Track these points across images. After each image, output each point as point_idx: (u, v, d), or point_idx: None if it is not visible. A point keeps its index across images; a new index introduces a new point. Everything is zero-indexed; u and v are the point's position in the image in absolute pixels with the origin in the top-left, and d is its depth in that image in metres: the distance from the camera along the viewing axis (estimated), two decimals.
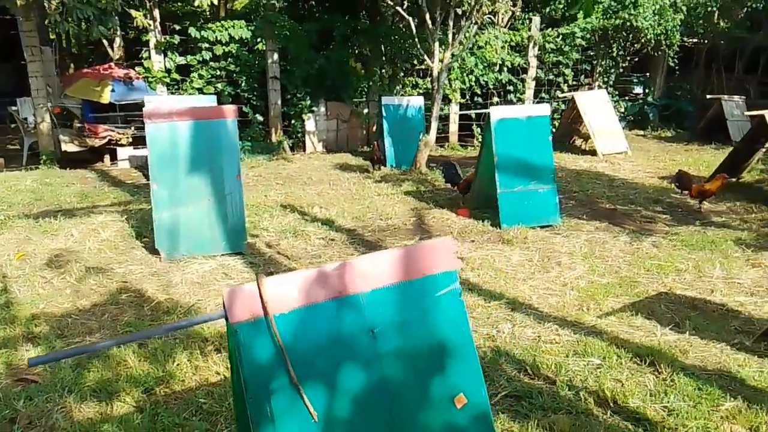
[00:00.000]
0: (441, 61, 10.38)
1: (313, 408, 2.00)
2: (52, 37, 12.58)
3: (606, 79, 14.96)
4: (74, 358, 3.90)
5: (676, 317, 4.58)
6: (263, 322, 1.97)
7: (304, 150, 12.97)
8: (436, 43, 10.26)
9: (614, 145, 12.20)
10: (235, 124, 6.05)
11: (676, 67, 15.52)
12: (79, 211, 7.52)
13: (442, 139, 13.73)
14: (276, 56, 12.19)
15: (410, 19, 10.54)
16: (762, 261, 5.77)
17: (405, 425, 2.15)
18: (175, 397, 3.55)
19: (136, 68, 11.36)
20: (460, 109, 13.91)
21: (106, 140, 10.80)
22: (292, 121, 12.78)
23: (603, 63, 14.77)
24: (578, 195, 8.73)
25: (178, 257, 5.87)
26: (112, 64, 11.53)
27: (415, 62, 13.25)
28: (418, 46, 10.63)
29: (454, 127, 14.05)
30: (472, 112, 13.70)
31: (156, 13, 11.22)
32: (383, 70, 13.45)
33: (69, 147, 10.69)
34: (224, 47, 11.76)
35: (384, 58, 13.40)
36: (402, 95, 12.87)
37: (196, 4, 10.83)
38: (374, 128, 13.33)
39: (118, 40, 12.08)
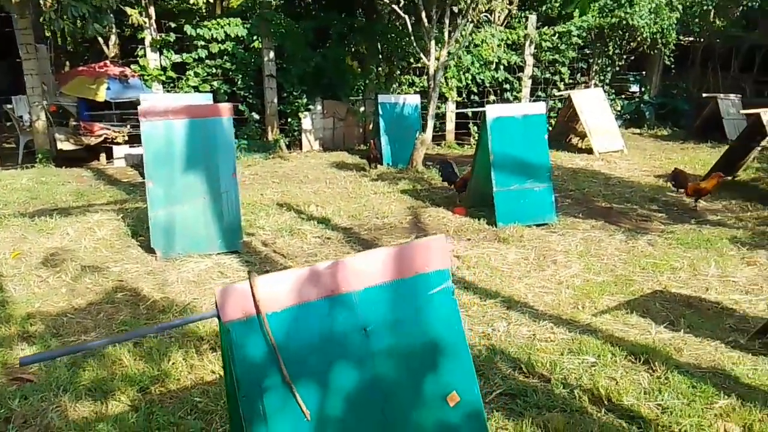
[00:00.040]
0: (437, 59, 10.38)
1: (306, 406, 2.00)
2: (48, 34, 12.52)
3: (602, 78, 14.98)
4: (69, 358, 3.89)
5: (671, 315, 4.59)
6: (255, 321, 1.97)
7: (301, 148, 12.96)
8: (432, 41, 10.26)
9: (610, 143, 12.22)
10: (231, 122, 6.05)
11: (672, 66, 15.54)
12: (74, 210, 7.51)
13: (439, 137, 13.73)
14: (272, 54, 12.18)
15: (406, 17, 10.53)
16: (757, 259, 5.79)
17: (398, 423, 2.15)
18: (171, 396, 3.55)
19: (132, 66, 11.33)
20: (457, 108, 13.91)
21: (101, 138, 10.78)
22: (289, 120, 12.76)
23: (599, 61, 14.79)
24: (574, 193, 8.74)
25: (173, 256, 5.87)
26: (108, 62, 11.50)
27: (412, 60, 13.24)
28: (414, 44, 10.62)
29: (450, 125, 14.05)
30: (469, 111, 13.70)
31: (151, 10, 11.19)
32: (380, 68, 13.44)
33: (65, 145, 10.67)
34: (220, 45, 11.74)
35: (380, 56, 13.39)
36: (398, 93, 12.86)
37: (191, 1, 10.80)
38: (371, 126, 13.32)
39: (113, 38, 12.04)
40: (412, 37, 10.63)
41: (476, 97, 13.85)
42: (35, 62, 10.50)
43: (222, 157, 6.00)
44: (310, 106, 12.82)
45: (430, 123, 10.64)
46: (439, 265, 2.25)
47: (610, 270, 5.59)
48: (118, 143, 10.96)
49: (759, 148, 9.43)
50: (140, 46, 11.43)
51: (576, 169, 10.61)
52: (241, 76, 12.08)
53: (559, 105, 14.08)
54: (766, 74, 17.08)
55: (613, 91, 15.42)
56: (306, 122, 12.93)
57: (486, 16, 13.45)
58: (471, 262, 5.80)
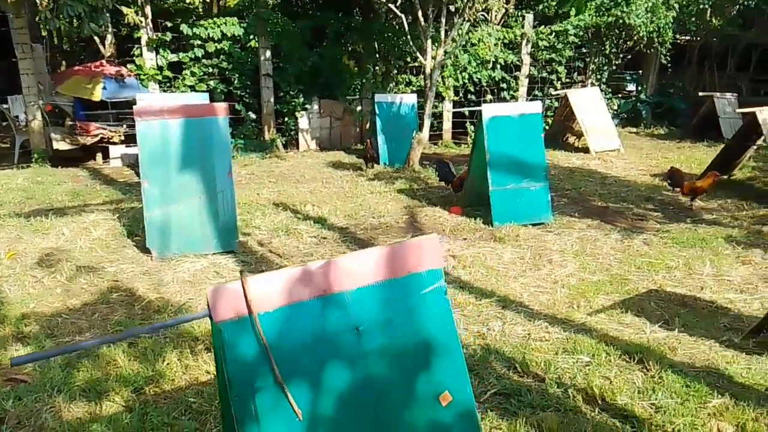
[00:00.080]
0: (433, 58, 10.38)
1: (298, 406, 2.00)
2: (44, 34, 12.50)
3: (599, 77, 14.99)
4: (64, 358, 3.89)
5: (666, 314, 4.59)
6: (247, 321, 1.97)
7: (298, 148, 12.96)
8: (429, 41, 10.26)
9: (607, 142, 12.23)
10: (227, 121, 6.04)
11: (669, 65, 15.55)
12: (70, 210, 7.50)
13: (436, 136, 13.74)
14: (269, 53, 12.17)
15: (403, 16, 10.53)
16: (752, 258, 5.80)
17: (390, 423, 2.16)
18: (165, 396, 3.55)
19: (128, 66, 11.32)
20: (454, 107, 13.91)
21: (97, 138, 10.77)
22: (285, 119, 12.75)
23: (596, 60, 14.80)
24: (570, 193, 8.75)
25: (169, 256, 5.86)
26: (104, 61, 11.49)
27: (409, 59, 13.24)
28: (411, 43, 10.62)
29: (447, 124, 14.06)
30: (466, 110, 13.71)
31: (147, 10, 11.17)
32: (376, 68, 13.44)
33: (60, 145, 10.65)
34: (216, 44, 11.72)
35: (377, 56, 13.39)
36: (395, 93, 12.85)
37: (188, 0, 10.78)
38: (367, 126, 13.32)
39: (109, 38, 12.03)
40: (409, 36, 10.63)
41: (473, 97, 13.85)
42: (31, 62, 10.48)
43: (218, 156, 5.99)
44: (307, 106, 12.81)
45: (427, 122, 10.64)
46: (431, 264, 2.26)
47: (606, 269, 5.60)
48: (114, 143, 10.95)
49: (755, 147, 9.45)
50: (136, 46, 11.41)
51: (572, 168, 10.62)
52: (237, 75, 12.06)
53: (556, 104, 14.09)
54: (763, 73, 17.12)
55: (610, 90, 15.43)
56: (303, 122, 12.92)
57: (483, 15, 13.45)
58: (467, 261, 5.80)
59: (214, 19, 11.89)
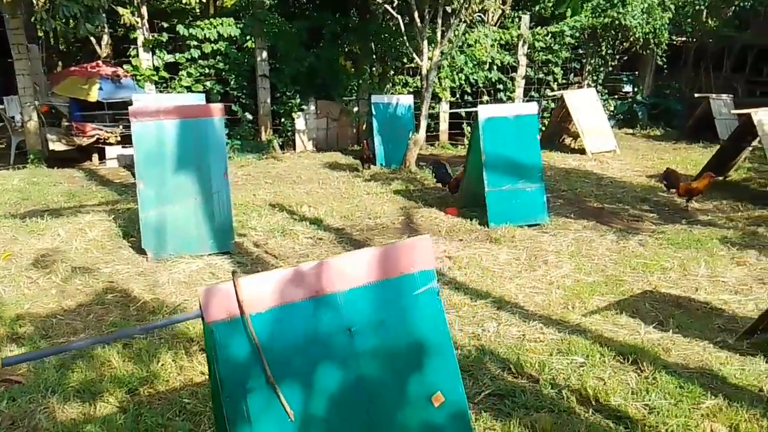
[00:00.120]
0: (430, 59, 10.39)
1: (290, 407, 2.00)
2: (40, 34, 12.50)
3: (595, 78, 15.02)
4: (58, 359, 3.88)
5: (660, 315, 4.60)
6: (239, 322, 1.97)
7: (294, 149, 12.96)
8: (425, 41, 10.27)
9: (603, 143, 12.26)
10: (222, 122, 6.05)
11: (665, 66, 15.59)
12: (66, 211, 7.49)
13: (433, 137, 13.75)
14: (265, 54, 12.17)
15: (399, 17, 10.54)
16: (747, 259, 5.82)
17: (383, 424, 2.16)
18: (159, 397, 3.55)
19: (124, 66, 11.31)
20: (451, 108, 13.93)
21: (94, 139, 10.75)
22: (282, 120, 12.76)
23: (592, 61, 14.83)
24: (566, 194, 8.77)
25: (165, 257, 5.85)
26: (100, 62, 11.48)
27: (405, 60, 13.25)
28: (407, 44, 10.63)
29: (444, 125, 14.08)
30: (462, 111, 13.72)
31: (144, 10, 11.17)
32: (373, 69, 13.45)
33: (57, 146, 10.64)
34: (213, 45, 11.72)
35: (374, 56, 13.40)
36: (392, 94, 12.87)
37: (185, 1, 10.78)
38: (364, 127, 13.33)
39: (105, 38, 12.02)
40: (405, 37, 10.64)
41: (470, 98, 13.87)
42: (27, 62, 10.47)
43: (213, 157, 5.99)
44: (304, 107, 12.82)
45: (423, 123, 10.65)
46: (424, 265, 2.26)
47: (601, 270, 5.61)
48: (110, 144, 10.93)
49: (750, 148, 9.49)
50: (133, 46, 11.40)
51: (568, 169, 10.63)
52: (234, 76, 12.06)
53: (553, 105, 14.11)
54: (758, 74, 17.17)
55: (606, 91, 15.47)
56: (299, 122, 12.93)
57: (479, 16, 13.48)
58: (462, 262, 5.81)
59: (211, 19, 11.90)
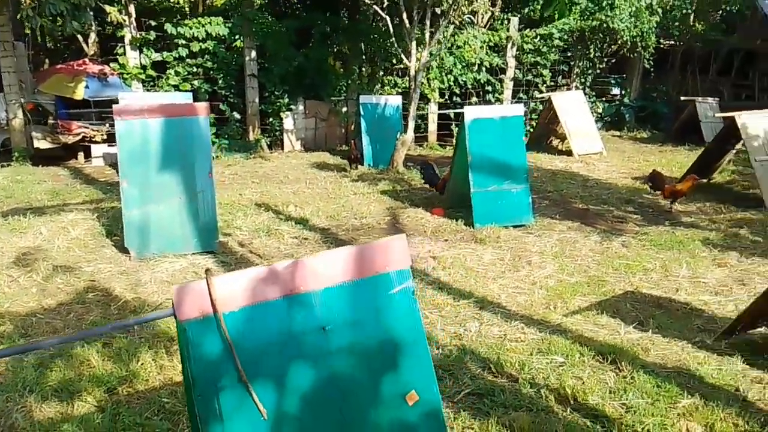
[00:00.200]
0: (418, 60, 10.41)
1: (263, 405, 2.00)
2: (27, 32, 12.40)
3: (583, 80, 15.10)
4: (37, 358, 3.86)
5: (641, 316, 4.64)
6: (212, 320, 1.97)
7: (282, 148, 12.93)
8: (414, 43, 10.29)
9: (590, 145, 12.32)
10: (207, 121, 6.03)
11: (652, 69, 15.69)
12: (49, 209, 7.44)
13: (421, 138, 13.78)
14: (254, 53, 12.13)
15: (387, 18, 10.55)
16: (728, 261, 5.87)
17: (356, 422, 2.16)
18: (138, 396, 3.53)
19: (111, 64, 11.24)
20: (439, 109, 13.95)
21: (79, 137, 10.69)
22: (270, 120, 12.73)
23: (580, 64, 14.91)
24: (552, 195, 8.81)
25: (148, 256, 5.83)
26: (87, 59, 11.40)
27: (395, 61, 13.26)
28: (396, 45, 10.65)
29: (432, 126, 14.11)
30: (451, 112, 13.75)
31: (131, 8, 11.10)
32: (363, 69, 13.45)
33: (42, 144, 10.57)
34: (201, 44, 11.67)
35: (363, 57, 13.40)
36: (381, 94, 12.87)
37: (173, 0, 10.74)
38: (352, 127, 13.32)
39: (93, 36, 11.95)
40: (394, 38, 10.65)
41: (458, 99, 13.91)
42: (13, 60, 10.39)
43: (198, 156, 5.97)
44: (292, 106, 12.80)
45: (411, 124, 10.66)
46: (400, 265, 2.27)
47: (584, 271, 5.64)
48: (96, 142, 10.88)
49: (734, 151, 9.57)
50: (120, 44, 11.33)
51: (555, 170, 10.68)
52: (222, 75, 12.02)
53: (540, 107, 14.17)
54: (744, 78, 17.33)
55: (594, 93, 15.55)
56: (288, 122, 12.90)
57: (469, 17, 13.52)
58: (447, 262, 5.82)
59: (199, 18, 11.85)
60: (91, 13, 10.32)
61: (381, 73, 13.56)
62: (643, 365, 3.80)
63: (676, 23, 15.82)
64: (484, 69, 13.86)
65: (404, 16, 10.07)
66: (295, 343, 2.09)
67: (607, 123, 15.82)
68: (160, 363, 3.84)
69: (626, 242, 6.47)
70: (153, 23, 11.43)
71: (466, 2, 10.80)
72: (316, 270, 2.13)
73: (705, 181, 8.98)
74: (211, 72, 11.95)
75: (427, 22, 10.32)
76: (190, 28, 11.49)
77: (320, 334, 2.12)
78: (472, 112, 7.19)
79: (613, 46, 14.76)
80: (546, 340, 4.16)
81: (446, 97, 13.88)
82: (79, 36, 11.72)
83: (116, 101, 9.10)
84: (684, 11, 15.44)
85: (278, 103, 12.51)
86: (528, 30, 14.24)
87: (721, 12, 16.22)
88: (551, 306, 4.83)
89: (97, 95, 10.72)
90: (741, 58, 17.10)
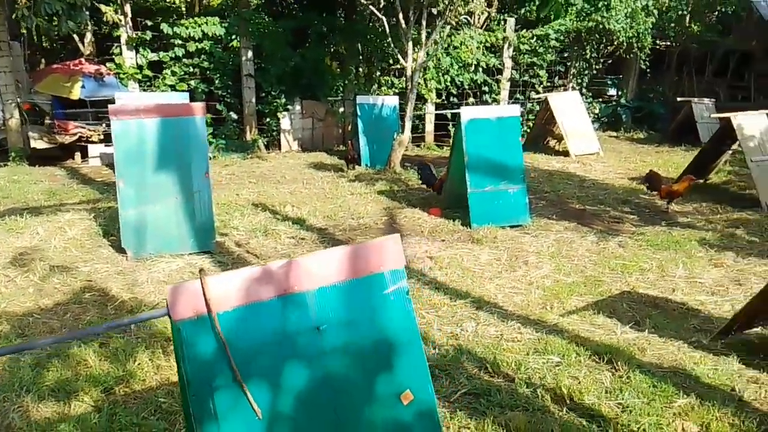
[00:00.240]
0: (414, 60, 10.41)
1: (258, 405, 2.00)
2: (23, 31, 12.37)
3: (580, 81, 15.13)
4: (33, 358, 3.86)
5: (637, 316, 4.65)
6: (207, 320, 1.97)
7: (280, 148, 12.92)
8: (410, 43, 10.29)
9: (587, 146, 12.34)
10: (204, 121, 6.03)
11: (648, 70, 15.72)
12: (46, 209, 7.42)
13: (419, 138, 13.79)
14: (250, 54, 12.12)
15: (384, 18, 10.55)
16: (724, 261, 5.89)
17: (350, 422, 2.16)
18: (135, 396, 3.53)
19: (107, 64, 11.21)
20: (436, 109, 13.96)
21: (76, 137, 10.67)
22: (267, 120, 12.71)
23: (577, 65, 14.94)
24: (549, 195, 8.82)
25: (144, 256, 5.82)
26: (83, 59, 11.38)
27: (391, 61, 13.26)
28: (392, 45, 10.64)
29: (430, 126, 14.11)
30: (448, 112, 13.76)
31: (127, 8, 11.08)
32: (360, 69, 13.44)
33: (38, 143, 10.54)
34: (198, 44, 11.64)
35: (360, 57, 13.40)
36: (378, 94, 12.87)
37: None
38: (350, 127, 13.32)
39: (89, 36, 11.92)
40: (390, 39, 10.65)
41: (455, 99, 13.91)
42: (9, 59, 10.37)
43: (195, 156, 5.97)
44: (289, 107, 12.78)
45: (408, 124, 10.67)
46: (394, 264, 2.27)
47: (580, 271, 5.65)
48: (93, 142, 10.86)
49: (730, 152, 9.60)
50: (116, 44, 11.31)
51: (552, 171, 10.70)
52: (219, 75, 11.99)
53: (537, 108, 14.19)
54: (740, 79, 17.36)
55: (591, 94, 15.58)
56: (285, 122, 12.89)
57: (466, 18, 13.52)
58: (443, 262, 5.83)
59: (195, 18, 11.82)
60: (87, 12, 10.27)
61: (378, 73, 13.56)
62: (639, 365, 3.81)
63: (672, 24, 15.86)
64: (480, 69, 13.88)
65: (400, 16, 10.07)
66: (289, 343, 2.09)
67: (604, 123, 15.85)
68: (157, 363, 3.84)
69: (623, 242, 6.48)
70: (149, 23, 11.40)
71: (462, 3, 10.81)
72: (311, 270, 2.13)
73: (701, 181, 9.00)
74: (208, 72, 11.93)
75: (424, 23, 10.33)
76: (187, 28, 11.47)
77: (314, 333, 2.13)
78: (468, 113, 7.19)
79: (609, 47, 14.80)
80: (542, 340, 4.17)
81: (443, 97, 13.88)
82: (75, 36, 11.69)
83: (113, 101, 9.07)
84: (680, 12, 15.48)
85: (275, 103, 12.50)
86: (524, 31, 14.26)
87: (716, 13, 16.25)
88: (548, 306, 4.84)
89: (93, 95, 10.69)
90: (737, 59, 17.14)
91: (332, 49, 13.16)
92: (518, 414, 3.26)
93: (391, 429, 2.22)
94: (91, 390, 3.55)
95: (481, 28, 14.25)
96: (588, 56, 14.84)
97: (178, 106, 6.67)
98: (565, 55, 14.80)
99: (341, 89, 13.29)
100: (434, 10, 10.47)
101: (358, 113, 11.25)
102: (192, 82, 11.73)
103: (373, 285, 2.23)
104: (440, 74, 13.45)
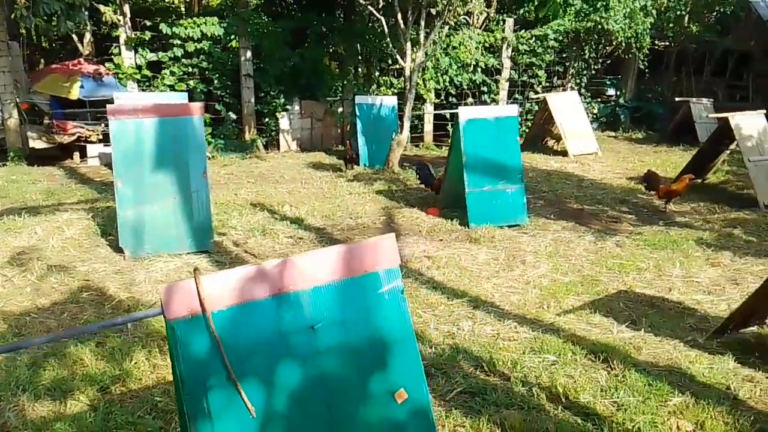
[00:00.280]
0: (413, 60, 10.42)
1: (252, 404, 2.01)
2: (22, 31, 12.38)
3: (579, 81, 15.13)
4: (30, 357, 3.86)
5: (634, 315, 4.66)
6: (201, 319, 1.97)
7: (278, 148, 12.92)
8: (409, 43, 10.30)
9: (585, 146, 12.35)
10: (202, 121, 6.04)
11: (647, 70, 15.72)
12: (44, 209, 7.43)
13: (417, 138, 13.79)
14: (249, 54, 12.13)
15: (383, 18, 10.56)
16: (721, 260, 5.90)
17: (344, 420, 2.17)
18: (131, 395, 3.54)
19: (106, 64, 11.22)
20: (435, 109, 13.97)
21: (75, 137, 10.67)
22: (266, 120, 12.71)
23: (576, 65, 14.95)
24: (547, 195, 8.83)
25: (142, 255, 5.83)
26: (82, 59, 11.38)
27: (390, 62, 13.26)
28: (391, 45, 10.65)
29: (428, 126, 14.11)
30: (446, 112, 13.76)
31: (126, 8, 11.08)
32: (358, 69, 13.45)
33: (37, 143, 10.55)
34: (196, 44, 11.65)
35: (359, 57, 13.40)
36: (377, 94, 12.87)
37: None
38: (348, 127, 13.32)
39: (87, 36, 11.92)
40: (389, 39, 10.66)
41: (454, 99, 13.92)
42: (7, 59, 10.37)
43: (192, 156, 5.98)
44: (288, 107, 12.79)
45: (406, 124, 10.68)
46: (389, 264, 2.28)
47: (578, 270, 5.66)
48: (92, 142, 10.86)
49: (728, 152, 9.61)
50: (115, 44, 11.31)
51: (550, 170, 10.71)
52: (217, 75, 12.00)
53: (536, 108, 14.19)
54: (738, 79, 17.36)
55: (590, 94, 15.58)
56: (283, 122, 12.90)
57: (464, 18, 13.53)
58: (441, 262, 5.84)
59: (194, 18, 11.82)
60: (86, 12, 10.29)
61: (376, 73, 13.56)
62: (635, 364, 3.82)
63: (671, 24, 15.85)
64: (479, 70, 13.88)
65: (399, 16, 10.08)
66: (283, 342, 2.10)
67: (603, 123, 15.85)
68: (153, 362, 3.85)
69: (620, 242, 6.49)
70: (148, 23, 11.40)
71: (461, 3, 10.82)
72: (305, 269, 2.14)
73: (699, 181, 9.02)
74: (207, 72, 11.93)
75: (422, 23, 10.33)
76: (186, 28, 11.47)
77: (309, 333, 2.13)
78: (466, 113, 7.20)
79: (607, 47, 14.80)
80: (539, 339, 4.17)
81: (442, 97, 13.89)
82: (74, 36, 11.69)
83: (111, 101, 9.08)
84: (678, 12, 15.47)
85: (274, 104, 12.50)
86: (523, 31, 14.27)
87: (715, 13, 16.24)
88: (544, 305, 4.84)
89: (92, 95, 10.70)
90: (735, 59, 17.14)
91: (331, 50, 13.17)
92: (514, 412, 3.27)
93: (385, 428, 2.23)
94: (87, 389, 3.56)
95: (479, 28, 14.26)
96: (586, 56, 14.84)
97: (175, 106, 6.68)
98: (564, 55, 14.81)
99: (340, 89, 13.30)
100: (433, 11, 10.47)
101: (357, 113, 11.26)
102: (191, 82, 11.74)
103: (368, 284, 2.24)
104: (439, 74, 13.46)
